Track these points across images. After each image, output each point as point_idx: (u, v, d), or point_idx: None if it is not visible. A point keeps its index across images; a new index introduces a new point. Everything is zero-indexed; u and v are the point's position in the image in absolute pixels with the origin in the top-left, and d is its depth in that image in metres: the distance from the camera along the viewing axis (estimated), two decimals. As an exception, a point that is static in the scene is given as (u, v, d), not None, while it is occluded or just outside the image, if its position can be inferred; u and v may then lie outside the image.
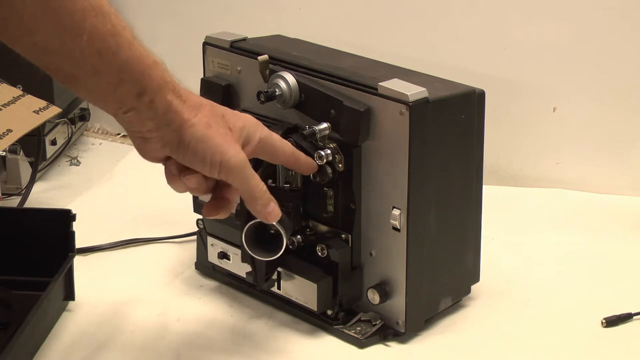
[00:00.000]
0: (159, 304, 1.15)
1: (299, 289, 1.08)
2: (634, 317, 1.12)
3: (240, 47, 1.15)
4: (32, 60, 0.78)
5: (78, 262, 1.13)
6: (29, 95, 1.34)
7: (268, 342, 1.08)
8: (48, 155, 1.50)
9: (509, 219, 1.38)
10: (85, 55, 0.78)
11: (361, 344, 1.06)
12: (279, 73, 1.07)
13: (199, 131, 0.88)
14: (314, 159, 1.03)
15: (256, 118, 1.09)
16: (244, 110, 1.12)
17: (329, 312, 1.08)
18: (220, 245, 1.15)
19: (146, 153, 0.89)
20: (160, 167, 0.92)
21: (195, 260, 1.22)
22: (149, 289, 1.18)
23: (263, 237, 1.02)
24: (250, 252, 1.03)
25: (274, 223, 0.98)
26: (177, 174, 0.91)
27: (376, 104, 1.02)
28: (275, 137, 0.98)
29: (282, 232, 1.00)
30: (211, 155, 0.89)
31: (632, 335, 1.09)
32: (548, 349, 1.07)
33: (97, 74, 0.79)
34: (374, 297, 1.06)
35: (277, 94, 1.07)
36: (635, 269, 1.25)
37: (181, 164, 0.90)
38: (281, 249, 1.01)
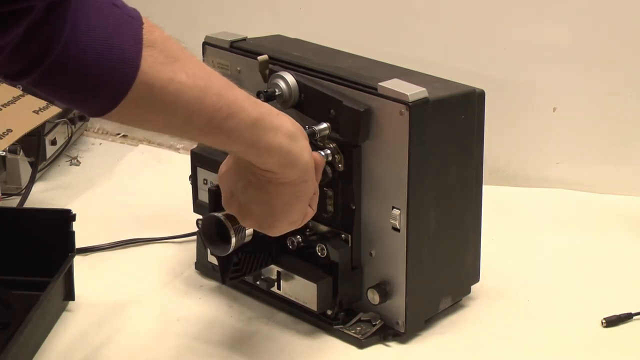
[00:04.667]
0: (159, 304, 1.15)
1: (299, 289, 1.08)
2: (634, 317, 1.12)
3: (240, 47, 1.15)
4: (199, 101, 0.79)
5: (78, 262, 1.13)
6: (29, 95, 1.34)
7: (268, 342, 1.08)
8: (48, 155, 1.49)
9: (509, 219, 1.37)
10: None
11: (361, 344, 1.06)
12: (278, 73, 1.07)
13: None
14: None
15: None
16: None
17: (329, 312, 1.08)
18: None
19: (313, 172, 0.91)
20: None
21: (195, 260, 1.22)
22: (149, 289, 1.18)
23: (224, 233, 0.99)
24: (206, 245, 1.01)
25: (221, 218, 0.97)
26: None
27: (376, 104, 1.02)
28: None
29: (227, 225, 0.97)
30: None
31: (632, 335, 1.09)
32: (548, 349, 1.07)
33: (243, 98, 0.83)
34: (374, 297, 1.06)
35: (276, 93, 1.07)
36: (635, 269, 1.25)
37: None
38: (230, 244, 0.98)
